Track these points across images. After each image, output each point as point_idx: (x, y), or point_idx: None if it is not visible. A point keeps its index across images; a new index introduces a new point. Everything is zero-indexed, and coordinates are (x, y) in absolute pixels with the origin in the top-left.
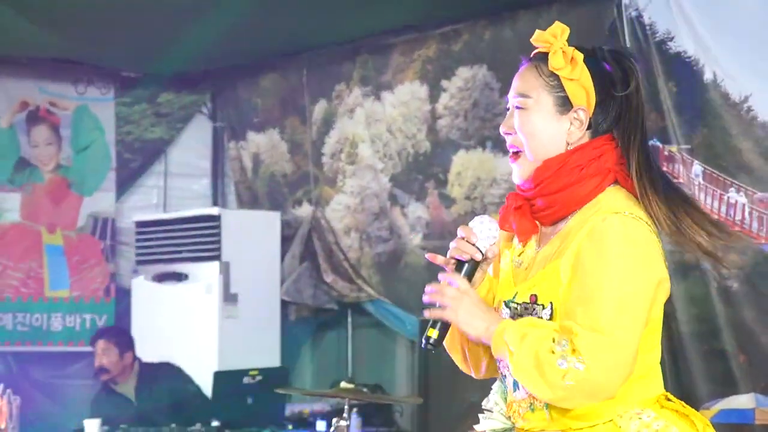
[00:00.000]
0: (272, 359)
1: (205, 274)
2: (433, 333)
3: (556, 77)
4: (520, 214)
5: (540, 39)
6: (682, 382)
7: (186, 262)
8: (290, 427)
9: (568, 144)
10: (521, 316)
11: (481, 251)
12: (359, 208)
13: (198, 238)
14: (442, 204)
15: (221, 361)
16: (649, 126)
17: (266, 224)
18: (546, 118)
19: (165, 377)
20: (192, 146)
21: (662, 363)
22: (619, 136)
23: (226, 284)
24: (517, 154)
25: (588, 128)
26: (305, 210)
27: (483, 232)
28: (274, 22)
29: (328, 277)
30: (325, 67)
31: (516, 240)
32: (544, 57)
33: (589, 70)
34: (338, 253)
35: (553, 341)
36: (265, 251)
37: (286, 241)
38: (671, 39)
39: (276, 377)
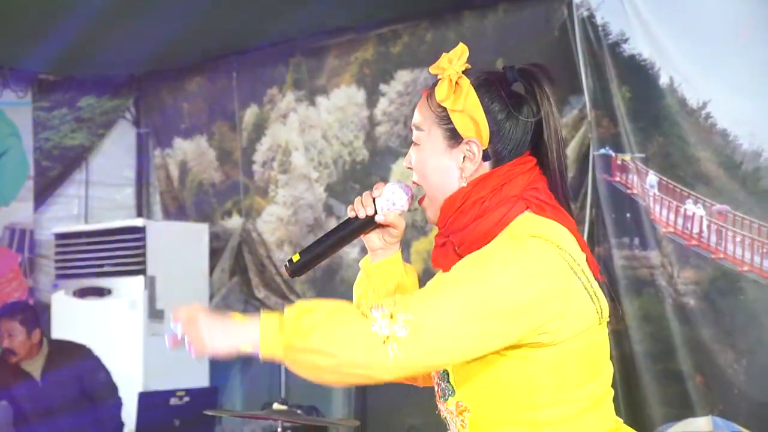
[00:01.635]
0: (201, 379)
1: (129, 289)
2: (297, 258)
3: (445, 109)
4: (444, 253)
5: (435, 66)
6: (635, 404)
7: (109, 276)
8: None
9: (462, 179)
10: None
11: (376, 210)
12: (293, 220)
13: (122, 251)
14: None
15: (147, 381)
16: (601, 133)
17: (194, 236)
18: (437, 153)
19: (74, 358)
20: (115, 153)
21: (614, 385)
22: (536, 159)
23: (152, 300)
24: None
25: (486, 159)
26: (235, 222)
27: (388, 195)
28: (202, 23)
29: (260, 293)
30: (256, 70)
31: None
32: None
33: (482, 99)
34: (270, 267)
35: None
36: (192, 265)
37: (214, 254)
38: (625, 41)
39: (205, 398)
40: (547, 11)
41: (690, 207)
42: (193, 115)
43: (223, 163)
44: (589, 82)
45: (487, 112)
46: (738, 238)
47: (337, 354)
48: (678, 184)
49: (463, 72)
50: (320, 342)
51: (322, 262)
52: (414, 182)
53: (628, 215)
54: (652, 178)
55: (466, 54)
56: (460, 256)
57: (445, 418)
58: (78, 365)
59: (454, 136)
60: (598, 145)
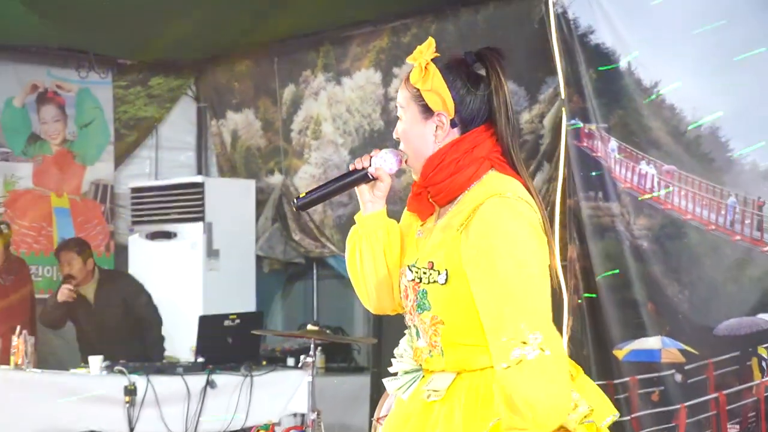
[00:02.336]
0: (249, 305)
1: (190, 233)
2: (303, 195)
3: (418, 89)
4: (419, 200)
5: (411, 57)
6: (599, 327)
7: (174, 222)
8: (264, 363)
9: (436, 144)
10: (421, 279)
11: (370, 165)
12: (323, 177)
13: (185, 202)
14: (393, 174)
15: (205, 307)
16: (572, 108)
17: (243, 190)
18: (415, 124)
19: (120, 284)
20: (179, 123)
21: (581, 309)
22: (494, 127)
23: (209, 242)
24: (406, 158)
25: (455, 126)
26: (276, 178)
27: (382, 156)
28: (249, 15)
29: (296, 236)
30: (293, 56)
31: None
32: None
33: (446, 79)
34: (305, 215)
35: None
36: (242, 213)
37: (260, 204)
38: (592, 32)
39: (252, 320)
40: (528, 8)
41: (644, 167)
42: (242, 92)
43: (266, 131)
44: (562, 66)
45: (451, 89)
46: (683, 193)
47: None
48: (634, 148)
49: (432, 60)
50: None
51: (326, 201)
52: (401, 153)
53: (593, 174)
54: (613, 143)
55: (433, 46)
56: (433, 203)
57: (415, 327)
58: (123, 289)
59: (427, 110)
60: (570, 117)
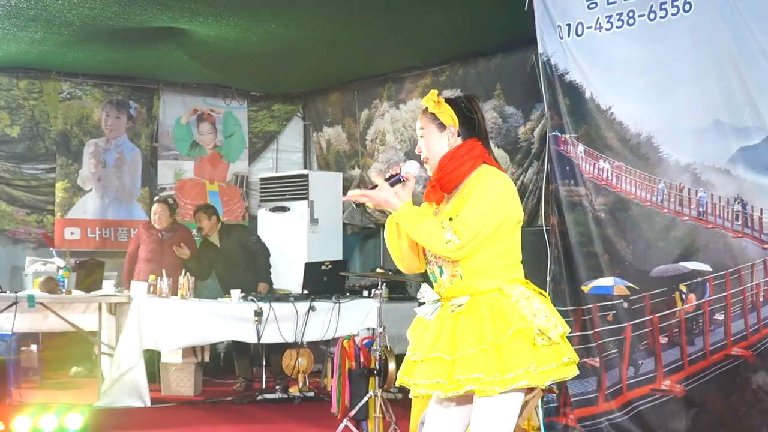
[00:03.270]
0: (338, 255)
1: (300, 208)
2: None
3: (434, 114)
4: (434, 190)
5: (424, 101)
6: (571, 270)
7: (288, 200)
8: (348, 294)
9: (449, 147)
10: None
11: (402, 172)
12: (386, 170)
13: (295, 187)
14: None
15: (309, 257)
16: (553, 124)
17: (334, 180)
18: (434, 136)
19: (236, 231)
20: (291, 135)
21: (560, 259)
22: (480, 139)
23: (312, 214)
24: (426, 160)
25: (459, 136)
26: (356, 172)
27: (407, 165)
28: (338, 62)
29: (369, 210)
30: (368, 90)
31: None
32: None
33: (452, 107)
34: None
35: (442, 223)
36: (333, 195)
37: (345, 189)
38: (567, 73)
39: (340, 266)
40: (524, 57)
41: (601, 164)
42: (333, 114)
43: (349, 140)
44: (546, 96)
45: (456, 112)
46: (628, 180)
47: (421, 237)
48: (595, 150)
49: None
50: (417, 229)
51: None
52: (423, 158)
53: (567, 168)
54: (581, 147)
55: (436, 93)
56: (443, 191)
57: (440, 266)
58: (238, 235)
59: (442, 126)
60: (552, 130)
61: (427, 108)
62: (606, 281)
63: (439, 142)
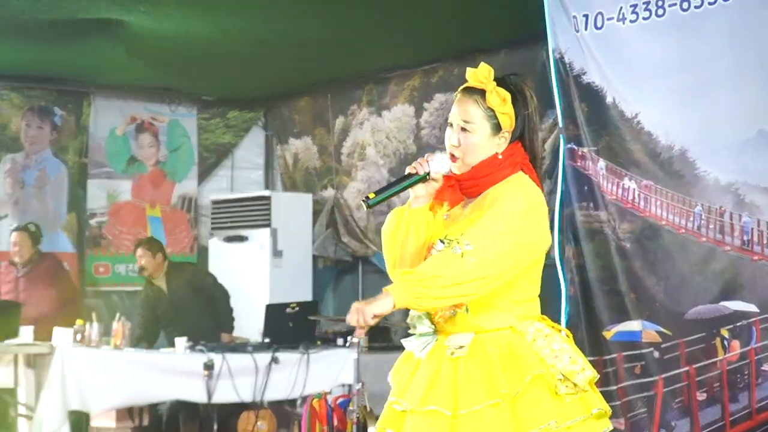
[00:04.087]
0: (306, 296)
1: (259, 237)
2: (372, 196)
3: (492, 110)
4: (453, 190)
5: (474, 78)
6: (590, 312)
7: (246, 228)
8: (318, 343)
9: (497, 154)
10: (452, 245)
11: (430, 168)
12: (366, 190)
13: (255, 211)
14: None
15: (271, 298)
16: (568, 135)
17: (302, 202)
18: (484, 138)
19: (187, 272)
20: (251, 148)
21: (576, 298)
22: (527, 139)
23: (274, 244)
24: (454, 157)
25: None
26: (329, 193)
27: (437, 160)
28: (308, 62)
29: (345, 239)
30: (343, 94)
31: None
32: (479, 92)
33: (513, 105)
34: (352, 222)
35: (458, 252)
36: (301, 221)
37: (316, 214)
38: (584, 73)
39: (309, 308)
40: (532, 55)
41: (626, 182)
42: (301, 123)
43: (321, 154)
44: (560, 101)
45: (515, 107)
46: (658, 203)
47: (458, 287)
48: (618, 167)
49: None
50: (443, 283)
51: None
52: (451, 153)
53: (585, 188)
54: (602, 163)
55: (492, 73)
56: (464, 194)
57: None
58: (190, 277)
59: (497, 128)
60: (566, 142)
61: (480, 93)
62: (632, 325)
63: (489, 146)
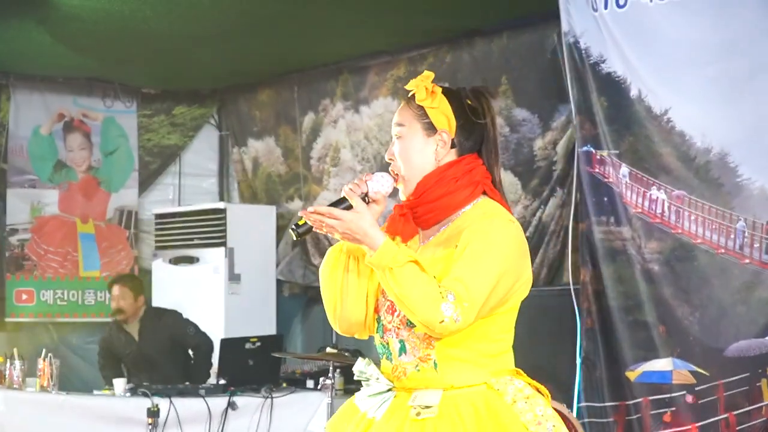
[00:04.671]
0: (269, 328)
1: (213, 258)
2: (302, 222)
3: (422, 108)
4: (404, 221)
5: (410, 85)
6: (611, 348)
7: (197, 247)
8: (284, 384)
9: (437, 161)
10: None
11: (368, 188)
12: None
13: (207, 227)
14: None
15: (227, 330)
16: (584, 134)
17: (264, 216)
18: (417, 141)
19: (166, 319)
20: (202, 151)
21: (594, 331)
22: (484, 156)
23: (231, 266)
24: (398, 176)
25: (452, 147)
26: (297, 204)
27: (377, 179)
28: (270, 47)
29: (316, 260)
30: (313, 85)
31: (398, 239)
32: (414, 96)
33: (450, 103)
34: (324, 240)
35: (440, 288)
36: (263, 238)
37: (280, 230)
38: (603, 61)
39: (272, 343)
40: (541, 38)
41: (654, 192)
42: (263, 120)
43: (286, 158)
44: (574, 94)
45: (455, 113)
46: (692, 217)
47: (408, 301)
48: (645, 174)
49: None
50: (405, 285)
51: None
52: (391, 170)
53: (605, 199)
54: (624, 169)
55: (432, 77)
56: (418, 225)
57: (400, 341)
58: (171, 324)
59: (430, 128)
60: (582, 144)
61: (413, 97)
62: (661, 364)
63: (423, 151)
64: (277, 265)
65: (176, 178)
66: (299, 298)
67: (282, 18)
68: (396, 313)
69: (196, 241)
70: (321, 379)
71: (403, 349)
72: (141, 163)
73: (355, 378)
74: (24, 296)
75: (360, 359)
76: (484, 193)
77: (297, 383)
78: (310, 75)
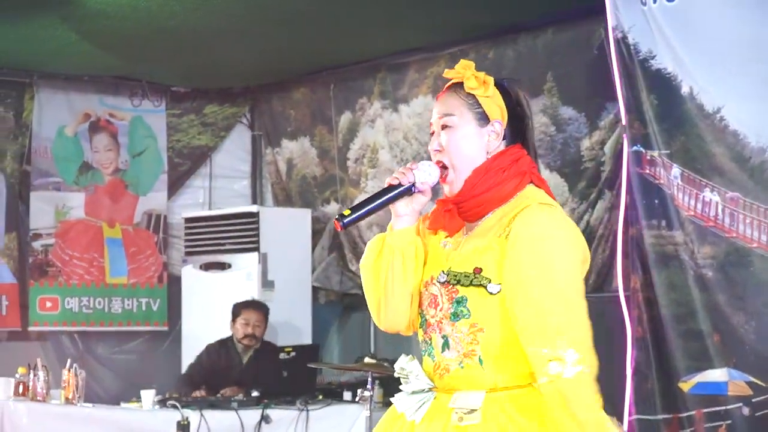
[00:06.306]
0: (305, 338)
1: (245, 264)
2: (348, 213)
3: (473, 97)
4: (450, 216)
5: (451, 73)
6: (663, 358)
7: (229, 253)
8: (320, 396)
9: (487, 153)
10: (459, 282)
11: (415, 178)
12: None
13: (239, 232)
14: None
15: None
16: (633, 133)
17: (299, 220)
18: (469, 132)
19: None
20: (233, 152)
21: (645, 341)
22: (527, 147)
23: (264, 272)
24: (445, 168)
25: (503, 138)
26: (333, 207)
27: (423, 169)
28: (305, 43)
29: (353, 266)
30: (349, 83)
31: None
32: (457, 84)
33: (502, 91)
34: (361, 245)
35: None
36: (297, 243)
37: (316, 234)
38: (653, 57)
39: (308, 353)
40: (587, 33)
41: (707, 194)
42: (297, 120)
43: (322, 159)
44: (622, 91)
45: (505, 101)
46: (747, 220)
47: None
48: (697, 175)
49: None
50: None
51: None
52: (438, 162)
53: (656, 201)
54: (676, 170)
55: (473, 66)
56: (464, 219)
57: (443, 337)
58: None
59: (483, 118)
60: (631, 143)
61: (459, 85)
62: (716, 375)
63: (475, 142)
64: (313, 272)
65: (207, 181)
66: (336, 305)
67: (317, 12)
68: (439, 307)
69: (227, 247)
70: (359, 390)
71: (446, 345)
72: (170, 164)
73: (396, 374)
74: (48, 304)
75: (403, 355)
76: (532, 183)
77: (334, 395)
78: (347, 72)
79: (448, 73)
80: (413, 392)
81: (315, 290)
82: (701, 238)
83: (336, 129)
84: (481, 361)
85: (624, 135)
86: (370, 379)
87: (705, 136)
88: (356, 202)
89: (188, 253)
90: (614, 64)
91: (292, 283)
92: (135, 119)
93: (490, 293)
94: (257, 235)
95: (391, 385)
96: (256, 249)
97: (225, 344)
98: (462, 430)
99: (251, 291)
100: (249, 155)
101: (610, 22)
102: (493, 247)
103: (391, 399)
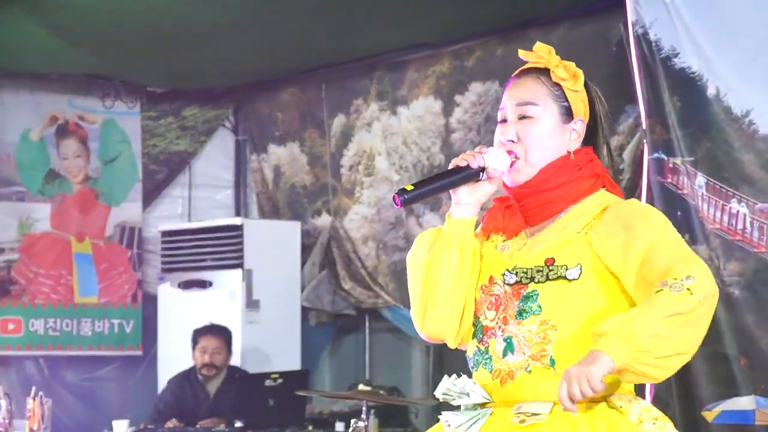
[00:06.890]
0: (293, 363)
1: (228, 281)
2: (410, 188)
3: (560, 88)
4: (511, 213)
5: (531, 56)
6: (686, 384)
7: (210, 269)
8: (310, 427)
9: (568, 153)
10: (532, 279)
11: (485, 162)
12: (376, 218)
13: (221, 247)
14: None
15: (244, 365)
16: (654, 139)
17: (287, 233)
18: (553, 126)
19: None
20: (215, 158)
21: None
22: (597, 152)
23: (249, 291)
24: (517, 157)
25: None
26: (324, 220)
27: (496, 155)
28: (294, 39)
29: (347, 284)
30: (343, 83)
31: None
32: (540, 70)
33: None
34: (356, 261)
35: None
36: (286, 259)
37: (306, 249)
38: (676, 55)
39: (296, 380)
40: (605, 28)
41: (735, 206)
42: (286, 123)
43: (313, 166)
44: (643, 93)
45: (589, 100)
46: None
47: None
48: (724, 185)
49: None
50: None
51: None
52: (509, 151)
53: (679, 213)
54: (701, 179)
55: (554, 50)
56: (527, 221)
57: (505, 340)
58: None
59: (568, 113)
60: (652, 150)
61: (541, 71)
62: (743, 403)
63: (559, 140)
64: (302, 290)
65: (186, 190)
66: (327, 327)
67: (307, 5)
68: (502, 307)
69: (208, 263)
70: (352, 421)
71: (509, 348)
72: (145, 172)
73: (441, 399)
74: (10, 326)
75: (445, 378)
76: (604, 188)
77: (325, 425)
78: (340, 71)
79: (526, 55)
80: (465, 409)
81: (305, 311)
82: (728, 254)
83: (328, 133)
84: (552, 362)
85: (644, 140)
86: (364, 408)
87: (732, 142)
88: (414, 182)
89: (165, 270)
90: (634, 63)
91: (279, 303)
92: (107, 122)
93: (570, 280)
94: (241, 250)
95: (387, 415)
96: (240, 265)
97: (188, 377)
98: (523, 430)
99: (234, 311)
100: (232, 162)
101: (630, 17)
102: (571, 241)
103: (439, 416)
